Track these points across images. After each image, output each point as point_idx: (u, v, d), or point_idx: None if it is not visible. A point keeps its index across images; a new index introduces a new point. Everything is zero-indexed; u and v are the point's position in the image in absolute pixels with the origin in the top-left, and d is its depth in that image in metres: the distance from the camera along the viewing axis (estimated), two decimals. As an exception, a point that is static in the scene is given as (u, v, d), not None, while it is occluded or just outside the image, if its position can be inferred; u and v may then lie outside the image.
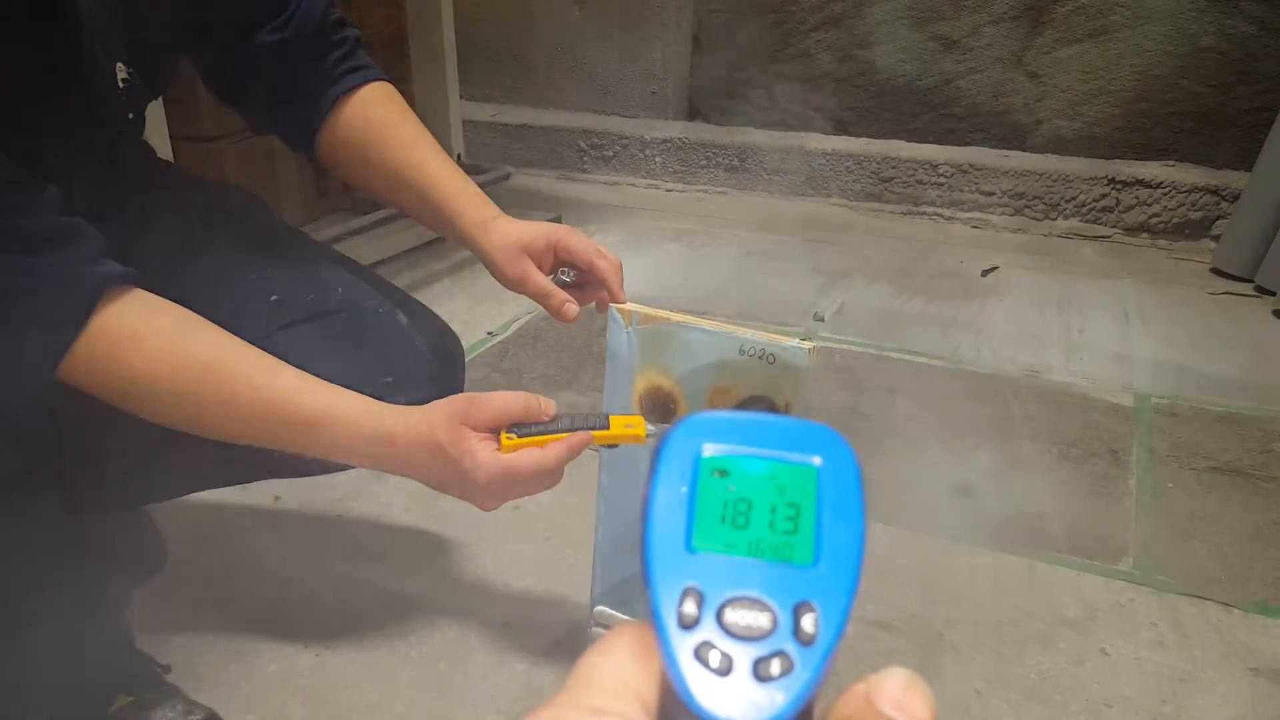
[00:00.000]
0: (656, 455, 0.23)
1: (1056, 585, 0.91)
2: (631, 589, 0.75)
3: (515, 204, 1.94)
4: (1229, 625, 0.86)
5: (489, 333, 1.46)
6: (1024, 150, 2.06)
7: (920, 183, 2.02)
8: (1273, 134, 1.64)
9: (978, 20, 2.02)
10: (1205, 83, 1.91)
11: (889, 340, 1.43)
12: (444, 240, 1.83)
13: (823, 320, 1.50)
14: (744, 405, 0.67)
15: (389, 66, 1.95)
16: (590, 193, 2.24)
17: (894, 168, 2.03)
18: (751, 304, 1.57)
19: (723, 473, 0.24)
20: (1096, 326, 1.50)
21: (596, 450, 0.68)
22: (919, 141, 2.10)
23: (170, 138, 1.30)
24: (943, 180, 2.00)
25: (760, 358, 0.65)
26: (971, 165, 1.97)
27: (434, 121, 1.80)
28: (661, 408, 0.69)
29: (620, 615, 0.74)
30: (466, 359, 1.22)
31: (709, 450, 0.24)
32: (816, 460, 0.24)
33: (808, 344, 0.64)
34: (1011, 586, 0.91)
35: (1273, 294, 1.60)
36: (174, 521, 0.84)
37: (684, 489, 0.23)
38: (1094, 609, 0.88)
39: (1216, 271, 1.74)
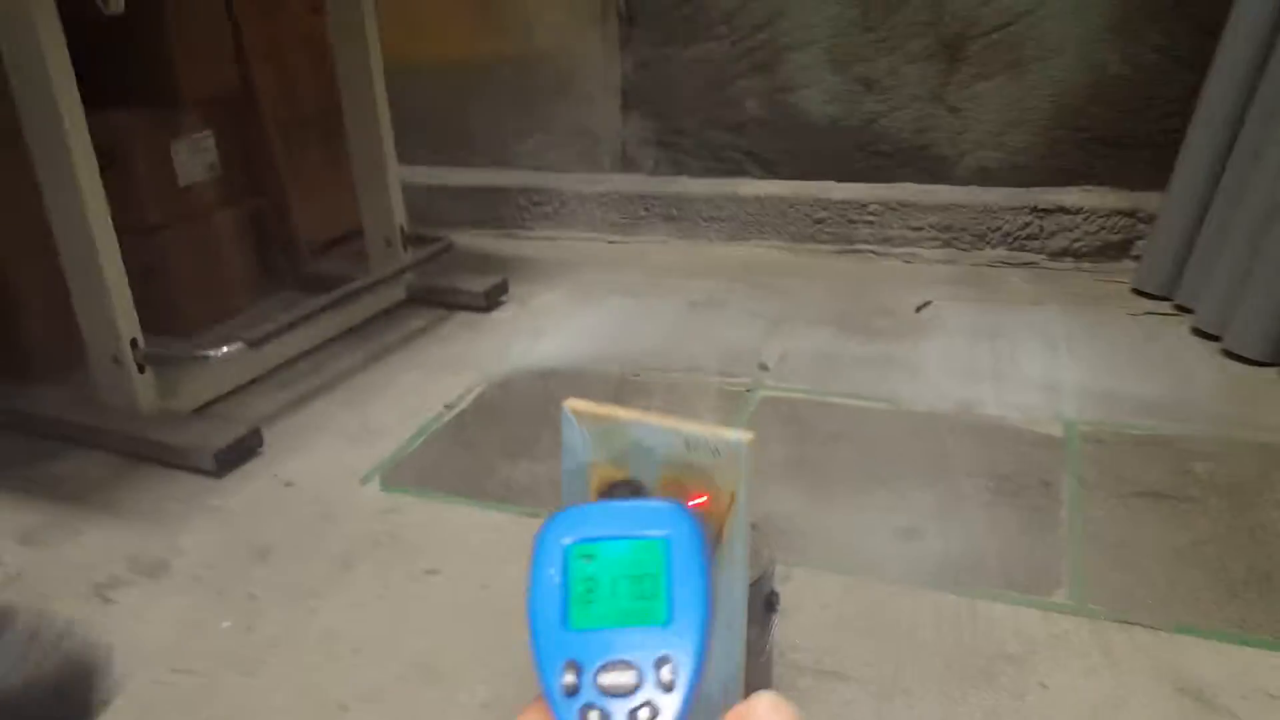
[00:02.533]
0: (534, 549, 0.29)
1: (997, 621, 0.97)
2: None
3: (461, 267, 1.99)
4: (1155, 648, 0.93)
5: (445, 405, 1.49)
6: (951, 183, 2.15)
7: (851, 221, 2.10)
8: (1182, 155, 1.74)
9: (895, 61, 2.12)
10: (1116, 108, 2.02)
11: (831, 385, 1.50)
12: (392, 311, 1.87)
13: (768, 369, 1.56)
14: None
15: (326, 140, 1.99)
16: (533, 249, 2.29)
17: (825, 209, 2.11)
18: (700, 355, 1.63)
19: (587, 557, 0.29)
20: (1026, 356, 1.58)
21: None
22: (849, 180, 2.19)
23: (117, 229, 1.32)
24: (873, 218, 2.09)
25: (705, 450, 0.70)
26: (899, 202, 2.06)
27: (373, 193, 1.84)
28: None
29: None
30: (426, 434, 1.25)
31: (572, 539, 0.29)
32: (664, 533, 0.30)
33: (747, 436, 0.69)
34: (955, 626, 0.97)
35: (1191, 311, 1.70)
36: None
37: (556, 576, 0.29)
38: (1032, 643, 0.94)
39: (1137, 292, 1.84)
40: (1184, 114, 1.79)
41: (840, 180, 2.19)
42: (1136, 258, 1.93)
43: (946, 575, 1.05)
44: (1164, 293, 1.79)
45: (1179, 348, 1.60)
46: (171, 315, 1.72)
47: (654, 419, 0.72)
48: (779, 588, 0.86)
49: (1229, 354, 1.54)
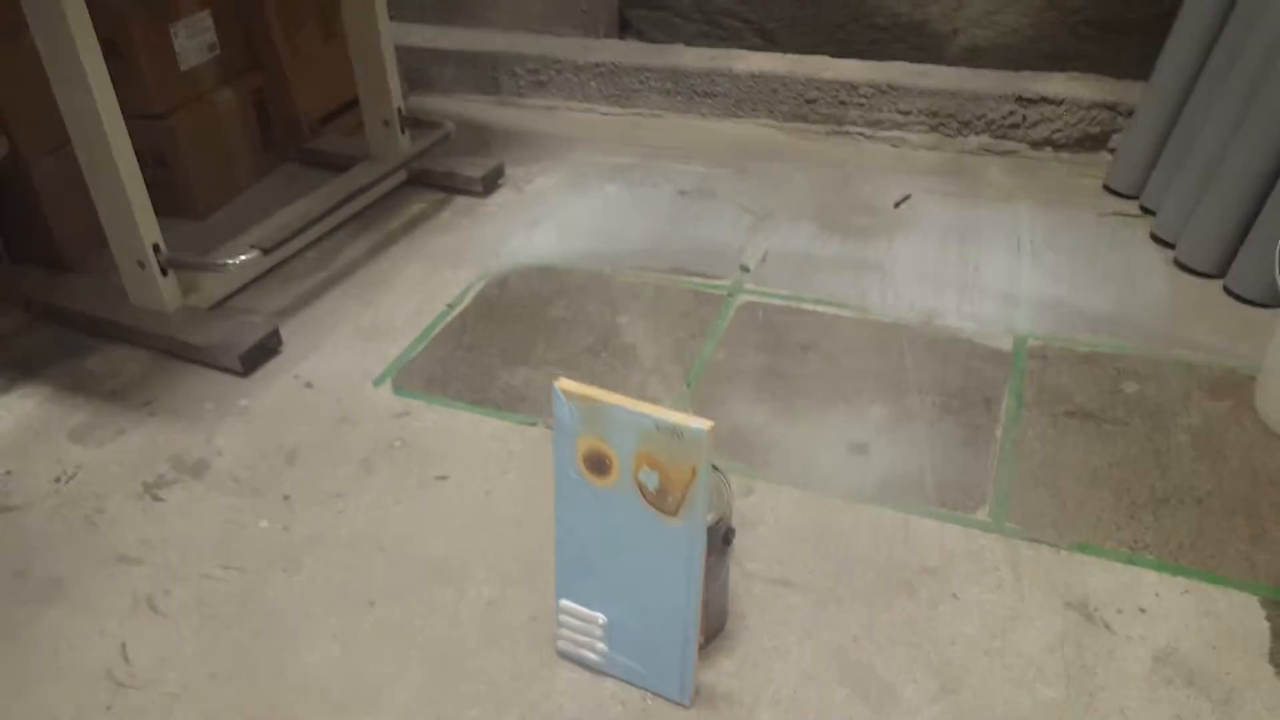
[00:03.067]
0: None
1: (925, 536, 1.14)
2: (588, 586, 0.96)
3: (456, 143, 2.01)
4: (1056, 566, 1.10)
5: (448, 305, 1.60)
6: (943, 61, 2.16)
7: (843, 103, 2.13)
8: (1166, 48, 1.77)
9: (898, -68, 2.07)
10: (1111, -10, 2.00)
11: (807, 289, 1.61)
12: (391, 194, 1.93)
13: (749, 270, 1.67)
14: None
15: (320, 15, 1.98)
16: (527, 119, 2.32)
17: (818, 89, 2.13)
18: (685, 255, 1.72)
19: None
20: (991, 261, 1.68)
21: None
22: (843, 55, 2.19)
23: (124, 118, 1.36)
24: (863, 100, 2.11)
25: (672, 433, 0.83)
26: (890, 85, 2.08)
27: (371, 76, 1.85)
28: (600, 465, 0.88)
29: (581, 609, 0.96)
30: (430, 335, 1.37)
31: None
32: None
33: (706, 425, 0.82)
34: (889, 540, 1.14)
35: (1154, 214, 1.78)
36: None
37: None
38: (952, 557, 1.11)
39: (1108, 189, 1.91)
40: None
41: (836, 55, 2.19)
42: (1113, 150, 1.98)
43: (888, 491, 1.21)
44: (1133, 192, 1.86)
45: (1135, 255, 1.69)
46: (182, 200, 1.79)
47: (630, 403, 0.86)
48: (745, 501, 1.01)
49: (1180, 264, 1.64)
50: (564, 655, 1.00)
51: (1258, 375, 1.34)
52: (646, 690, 0.96)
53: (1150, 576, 1.07)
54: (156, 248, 1.43)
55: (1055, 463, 1.24)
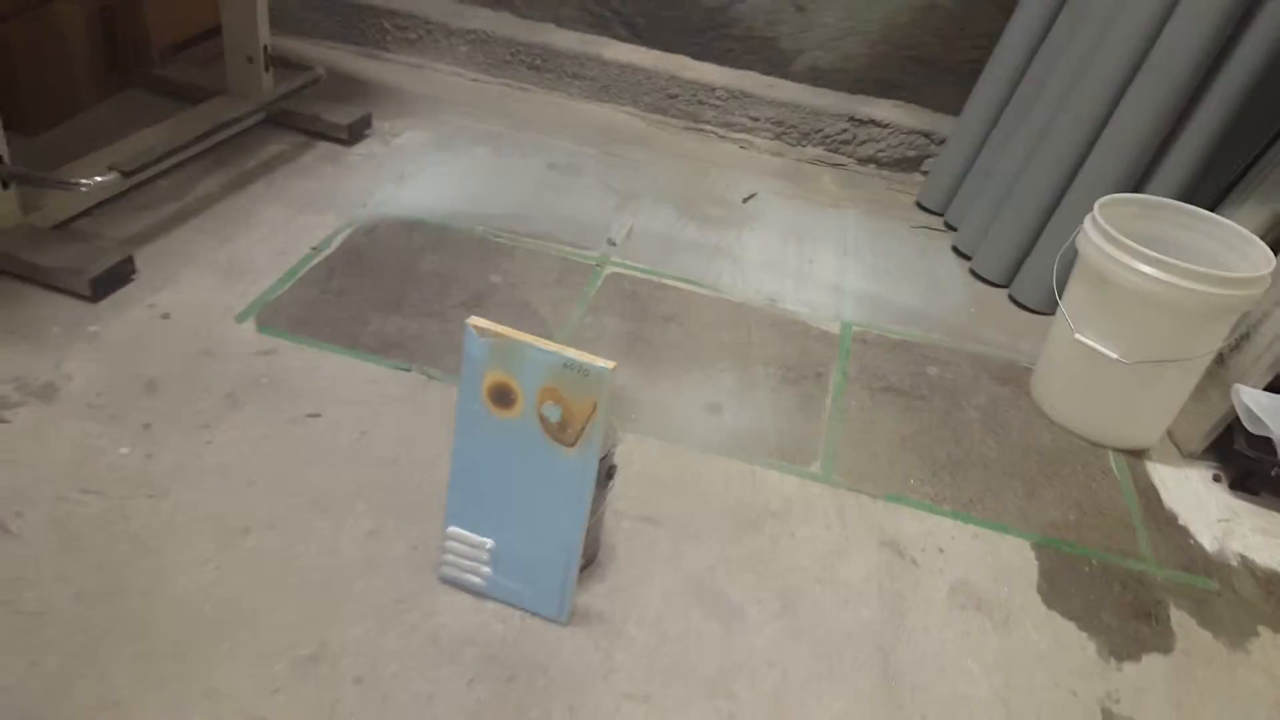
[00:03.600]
0: None
1: (768, 484, 1.29)
2: (478, 513, 1.02)
3: (325, 92, 1.99)
4: (873, 512, 1.28)
5: (313, 248, 1.60)
6: (787, 76, 2.35)
7: (700, 102, 2.28)
8: (977, 87, 2.04)
9: (761, -50, 2.24)
10: (934, 34, 2.27)
11: (668, 267, 1.73)
12: (249, 131, 1.87)
13: (615, 245, 1.77)
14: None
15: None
16: (394, 75, 2.30)
17: (679, 86, 2.27)
18: (555, 223, 1.80)
19: None
20: (823, 257, 1.87)
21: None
22: (702, 58, 2.34)
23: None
24: (719, 102, 2.27)
25: (578, 371, 0.92)
26: (743, 92, 2.25)
27: (238, 6, 1.79)
28: (504, 397, 0.95)
29: (470, 534, 1.02)
30: (295, 277, 1.37)
31: None
32: None
33: (610, 365, 0.91)
34: (738, 486, 1.28)
35: (956, 230, 2.05)
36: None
37: None
38: (790, 502, 1.27)
39: (919, 205, 2.17)
40: (986, 47, 2.07)
41: (695, 58, 2.33)
42: (925, 173, 2.25)
43: (737, 445, 1.35)
44: (939, 209, 2.13)
45: (939, 263, 1.94)
46: (16, 112, 1.66)
47: (541, 341, 0.94)
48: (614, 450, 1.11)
49: (975, 274, 1.91)
50: (446, 580, 1.06)
51: (1034, 367, 1.60)
52: (526, 610, 1.04)
53: (948, 523, 1.28)
54: (0, 158, 1.34)
55: (873, 428, 1.43)
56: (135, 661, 0.93)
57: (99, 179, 1.39)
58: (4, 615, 0.95)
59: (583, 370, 0.92)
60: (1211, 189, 1.73)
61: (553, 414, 0.95)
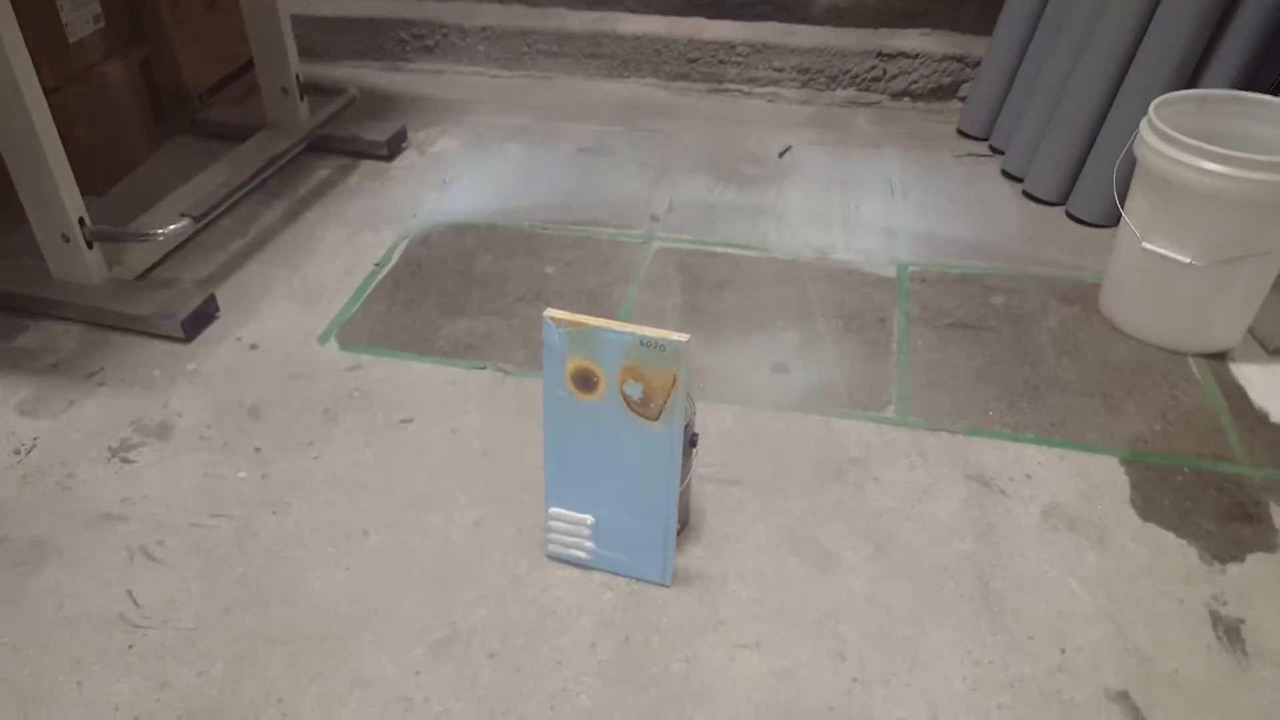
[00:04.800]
0: None
1: (845, 434, 1.32)
2: (575, 492, 1.08)
3: (357, 111, 2.05)
4: (953, 447, 1.30)
5: (375, 264, 1.66)
6: (806, 21, 2.34)
7: (721, 62, 2.29)
8: (1007, 2, 2.00)
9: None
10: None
11: (713, 234, 1.76)
12: (296, 161, 1.94)
13: (659, 220, 1.80)
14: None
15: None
16: (418, 84, 2.36)
17: (698, 49, 2.28)
18: (596, 207, 1.84)
19: None
20: (869, 201, 1.88)
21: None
22: (717, 17, 2.34)
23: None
24: (740, 59, 2.27)
25: (655, 348, 0.96)
26: (763, 44, 2.25)
27: (267, 42, 1.85)
28: (587, 381, 1.00)
29: (570, 513, 1.08)
30: (364, 294, 1.42)
31: None
32: None
33: (684, 337, 0.95)
34: (816, 439, 1.31)
35: (1002, 153, 2.03)
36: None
37: None
38: (869, 448, 1.30)
39: (961, 133, 2.15)
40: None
41: (710, 18, 2.34)
42: (963, 99, 2.23)
43: (809, 400, 1.38)
44: (982, 134, 2.11)
45: (989, 189, 1.93)
46: (81, 174, 1.75)
47: (615, 324, 0.98)
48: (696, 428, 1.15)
49: (1028, 195, 1.90)
50: (553, 558, 1.12)
51: (1101, 283, 1.59)
52: (631, 578, 1.10)
53: (1032, 450, 1.29)
54: (82, 221, 1.42)
55: (943, 366, 1.45)
56: (289, 660, 1.01)
57: (173, 227, 1.47)
58: (167, 632, 1.03)
59: (659, 346, 0.96)
60: (1270, 74, 1.68)
61: (634, 391, 0.99)
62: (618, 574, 1.10)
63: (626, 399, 1.00)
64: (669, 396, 0.98)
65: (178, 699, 0.97)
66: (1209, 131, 1.41)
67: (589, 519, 1.08)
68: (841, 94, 2.29)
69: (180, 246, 1.68)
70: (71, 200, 1.40)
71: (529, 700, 0.97)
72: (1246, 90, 1.50)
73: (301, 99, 1.93)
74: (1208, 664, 1.01)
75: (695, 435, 1.10)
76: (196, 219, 1.50)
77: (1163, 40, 1.64)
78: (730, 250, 1.72)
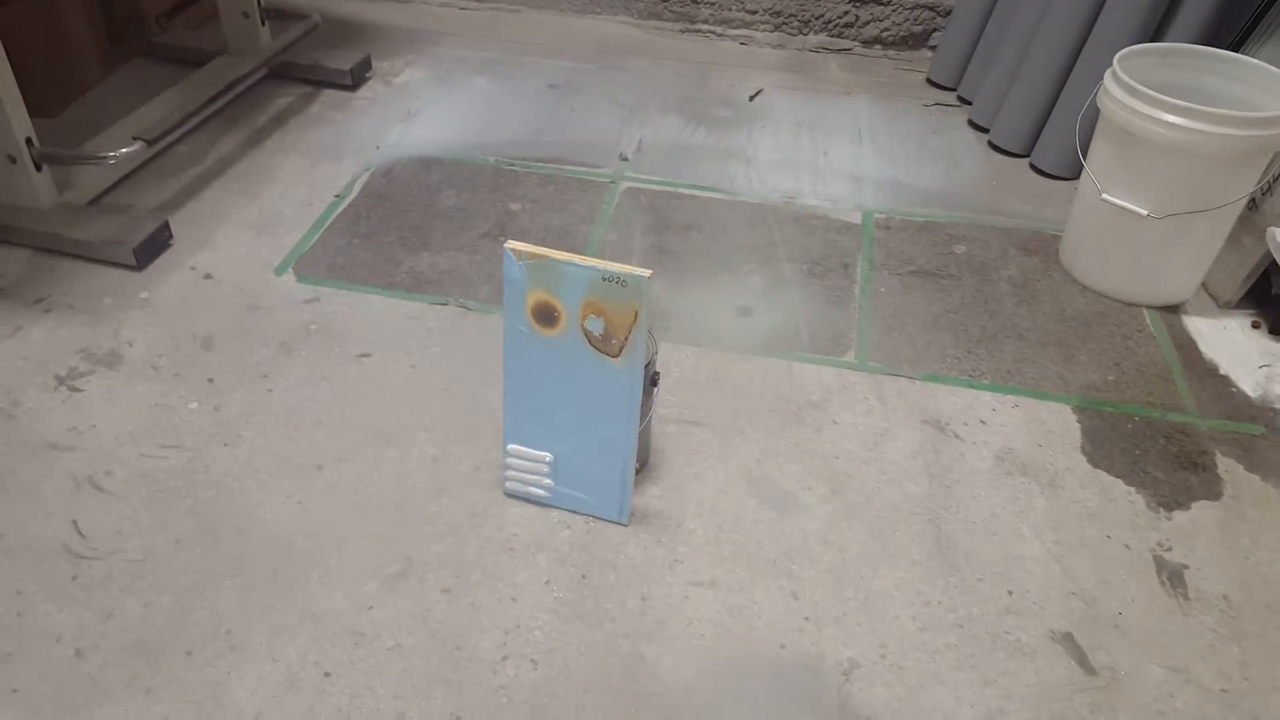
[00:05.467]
0: None
1: (805, 377, 1.33)
2: (535, 429, 1.07)
3: (320, 38, 1.99)
4: (911, 392, 1.32)
5: (336, 195, 1.62)
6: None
7: (694, 2, 2.24)
8: (979, -48, 1.98)
9: None
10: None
11: (681, 176, 1.74)
12: (256, 87, 1.88)
13: (627, 160, 1.78)
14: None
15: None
16: (385, 13, 2.28)
17: (672, -13, 2.23)
18: (564, 145, 1.81)
19: None
20: (837, 147, 1.87)
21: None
22: (692, -45, 2.29)
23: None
24: (713, 0, 2.23)
25: (616, 282, 0.95)
26: (739, -15, 2.21)
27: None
28: (548, 316, 0.99)
29: (529, 450, 1.08)
30: (324, 225, 1.40)
31: None
32: None
33: (646, 273, 0.94)
34: (777, 382, 1.32)
35: (970, 104, 2.03)
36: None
37: None
38: (829, 392, 1.31)
39: (930, 82, 2.14)
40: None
41: (684, -45, 2.28)
42: (933, 48, 2.21)
43: (771, 343, 1.38)
44: (951, 84, 2.10)
45: (956, 139, 1.93)
46: (32, 95, 1.68)
47: (577, 258, 0.97)
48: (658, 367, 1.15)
49: (994, 146, 1.90)
50: (512, 495, 1.12)
51: (1061, 234, 1.60)
52: (589, 516, 1.10)
53: (987, 396, 1.31)
54: (29, 141, 1.37)
55: (904, 312, 1.46)
56: (239, 593, 1.00)
57: (125, 150, 1.42)
58: (114, 563, 1.02)
59: (621, 281, 0.95)
60: (1232, 29, 1.69)
61: (595, 327, 0.98)
62: (576, 512, 1.11)
63: (588, 334, 0.99)
64: (630, 333, 0.98)
65: (122, 630, 0.96)
66: (1171, 85, 1.41)
67: (548, 456, 1.08)
68: (814, 39, 2.26)
69: (134, 172, 1.62)
70: (18, 119, 1.35)
71: (483, 635, 0.97)
72: (1209, 45, 1.51)
73: (263, 24, 1.86)
74: (1150, 607, 1.04)
75: (656, 374, 1.10)
76: (150, 142, 1.45)
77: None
78: (698, 192, 1.70)
